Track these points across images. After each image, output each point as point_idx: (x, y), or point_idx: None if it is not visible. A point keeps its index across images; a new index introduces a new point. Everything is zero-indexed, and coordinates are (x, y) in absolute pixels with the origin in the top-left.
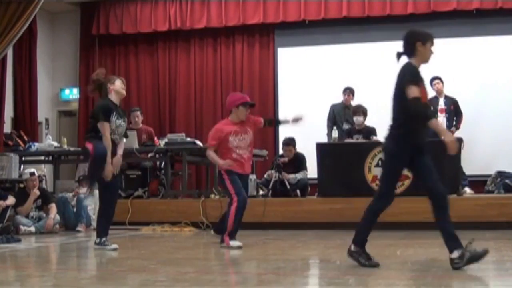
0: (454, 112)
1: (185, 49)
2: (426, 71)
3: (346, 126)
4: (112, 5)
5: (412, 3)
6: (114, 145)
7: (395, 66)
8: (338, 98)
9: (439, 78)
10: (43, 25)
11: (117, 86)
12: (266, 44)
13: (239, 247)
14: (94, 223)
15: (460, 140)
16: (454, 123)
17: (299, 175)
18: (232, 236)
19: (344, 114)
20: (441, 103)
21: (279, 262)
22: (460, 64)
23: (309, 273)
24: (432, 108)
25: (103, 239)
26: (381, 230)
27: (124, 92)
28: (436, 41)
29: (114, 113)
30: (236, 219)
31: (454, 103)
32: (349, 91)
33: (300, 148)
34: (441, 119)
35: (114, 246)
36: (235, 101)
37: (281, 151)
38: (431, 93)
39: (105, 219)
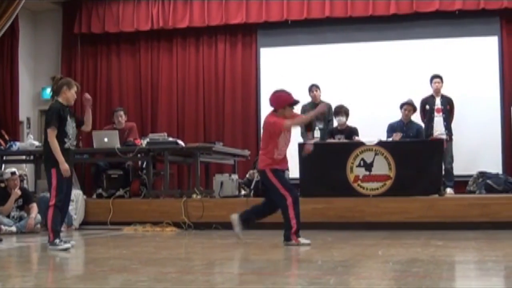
0: (450, 112)
1: (168, 49)
2: (415, 71)
3: (320, 125)
4: (94, 4)
5: (394, 4)
6: (70, 153)
7: (377, 66)
8: (323, 98)
9: (440, 77)
10: (25, 24)
11: (70, 95)
12: (249, 44)
13: (308, 244)
14: (75, 223)
15: (441, 141)
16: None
17: None
18: (298, 234)
19: None
20: (438, 103)
21: (260, 262)
22: (442, 65)
23: (290, 273)
24: (428, 107)
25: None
26: (363, 230)
27: (72, 102)
28: (419, 41)
29: (68, 116)
30: (296, 215)
31: (450, 102)
32: (315, 87)
33: None
34: (438, 119)
35: (68, 245)
36: (283, 102)
37: None
38: (429, 91)
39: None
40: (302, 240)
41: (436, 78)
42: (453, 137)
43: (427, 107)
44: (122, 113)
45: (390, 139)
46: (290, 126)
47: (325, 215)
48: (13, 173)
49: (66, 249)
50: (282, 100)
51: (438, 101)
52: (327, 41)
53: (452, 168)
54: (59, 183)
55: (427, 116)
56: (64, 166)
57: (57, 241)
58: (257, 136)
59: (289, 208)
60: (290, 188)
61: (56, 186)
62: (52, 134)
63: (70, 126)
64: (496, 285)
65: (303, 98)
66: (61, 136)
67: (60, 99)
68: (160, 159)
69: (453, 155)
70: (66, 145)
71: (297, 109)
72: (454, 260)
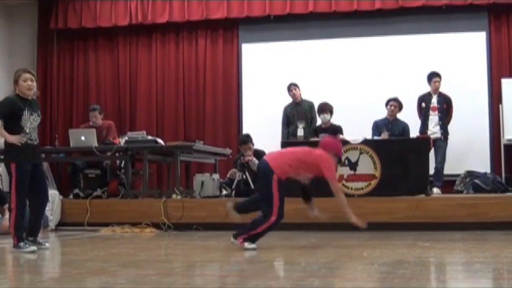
0: (447, 111)
1: (147, 45)
2: (401, 67)
3: (300, 125)
4: None
5: None
6: (32, 147)
7: (362, 63)
8: (302, 95)
9: (439, 76)
10: None
11: (21, 87)
12: (230, 40)
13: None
14: (51, 224)
15: (428, 139)
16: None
17: None
18: (252, 241)
19: (297, 112)
20: (434, 101)
21: (242, 264)
22: (428, 61)
23: (273, 275)
24: (424, 105)
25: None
26: (348, 231)
27: (29, 92)
28: (404, 37)
29: (26, 110)
30: (266, 231)
31: (447, 101)
32: (293, 86)
33: (265, 146)
34: (433, 117)
35: (33, 248)
36: (337, 151)
37: None
38: (427, 89)
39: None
40: (248, 245)
41: (435, 77)
42: (448, 136)
43: (423, 104)
44: (96, 113)
45: (376, 137)
46: (338, 192)
47: (308, 216)
48: None
49: (31, 252)
50: (337, 149)
51: (434, 99)
52: (311, 37)
53: (442, 168)
54: (20, 181)
55: (423, 114)
56: (11, 138)
57: (21, 244)
58: (239, 134)
59: (266, 224)
60: (282, 207)
61: (16, 185)
62: None
63: (27, 120)
64: (484, 287)
65: (285, 94)
66: (16, 130)
67: (19, 93)
68: (139, 158)
69: (445, 155)
70: (24, 140)
71: (279, 112)
72: (441, 262)
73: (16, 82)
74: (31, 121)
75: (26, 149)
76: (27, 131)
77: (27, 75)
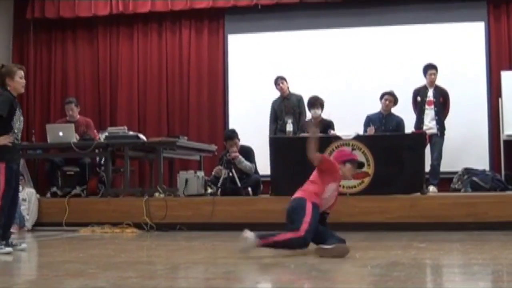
0: (443, 105)
1: (128, 35)
2: (396, 59)
3: (289, 120)
4: None
5: None
6: (18, 148)
7: (355, 55)
8: (291, 89)
9: (435, 68)
10: None
11: (17, 84)
12: (216, 30)
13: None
14: (28, 224)
15: (423, 135)
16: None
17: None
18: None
19: (285, 107)
20: (430, 95)
21: (229, 266)
22: (424, 53)
23: (261, 278)
24: (419, 99)
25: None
26: (339, 231)
27: (23, 90)
28: (399, 28)
29: (18, 109)
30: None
31: (444, 95)
32: (280, 79)
33: (252, 142)
34: (429, 111)
35: (9, 249)
36: (342, 157)
37: None
38: (423, 82)
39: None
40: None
41: (431, 69)
42: (445, 132)
43: (419, 98)
44: (73, 105)
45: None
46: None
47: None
48: None
49: (7, 253)
50: (342, 156)
51: (430, 92)
52: (300, 27)
53: (439, 165)
54: (8, 181)
55: (418, 108)
56: (1, 140)
57: None
58: (225, 130)
59: (290, 242)
60: (311, 231)
61: (4, 185)
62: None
63: (18, 120)
64: None
65: (273, 87)
66: (6, 130)
67: (9, 89)
68: (119, 154)
69: (442, 151)
70: (12, 139)
71: (268, 106)
72: (437, 264)
73: (11, 77)
74: (20, 121)
75: (14, 149)
76: (15, 131)
77: (23, 72)
